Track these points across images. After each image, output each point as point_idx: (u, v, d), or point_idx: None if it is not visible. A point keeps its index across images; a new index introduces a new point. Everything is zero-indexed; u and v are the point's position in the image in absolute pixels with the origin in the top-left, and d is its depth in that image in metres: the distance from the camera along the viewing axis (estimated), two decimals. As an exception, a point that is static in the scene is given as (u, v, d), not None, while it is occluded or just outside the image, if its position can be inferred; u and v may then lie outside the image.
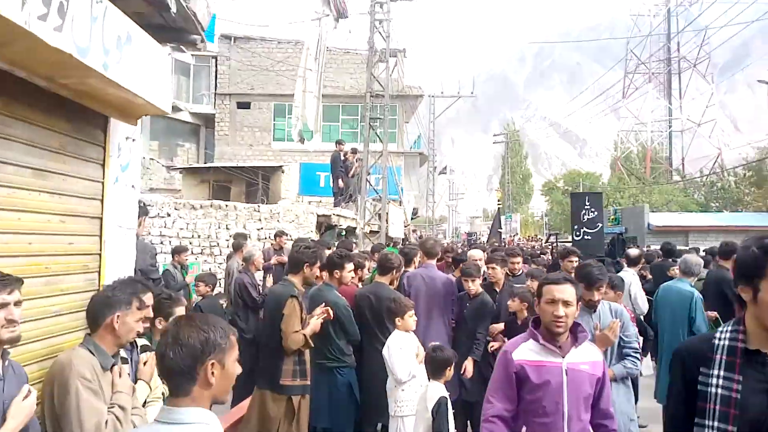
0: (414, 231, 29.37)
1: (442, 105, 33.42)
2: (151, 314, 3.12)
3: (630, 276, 6.83)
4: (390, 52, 27.02)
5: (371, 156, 15.25)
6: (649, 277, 8.84)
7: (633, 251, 7.75)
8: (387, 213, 14.02)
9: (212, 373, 1.64)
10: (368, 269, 6.54)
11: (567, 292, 2.82)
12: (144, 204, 6.06)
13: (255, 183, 18.87)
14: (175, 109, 26.24)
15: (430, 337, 5.15)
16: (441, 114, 30.40)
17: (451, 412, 3.98)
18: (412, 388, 4.43)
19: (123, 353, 2.93)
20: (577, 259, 6.18)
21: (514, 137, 59.06)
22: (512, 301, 5.23)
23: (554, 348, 2.82)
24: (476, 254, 6.62)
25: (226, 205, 11.14)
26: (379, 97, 15.80)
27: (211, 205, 11.05)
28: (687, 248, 14.42)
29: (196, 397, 1.65)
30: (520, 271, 6.68)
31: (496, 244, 26.04)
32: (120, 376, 2.72)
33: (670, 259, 8.46)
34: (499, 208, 31.36)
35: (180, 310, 3.57)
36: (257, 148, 25.76)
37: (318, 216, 11.95)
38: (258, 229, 11.48)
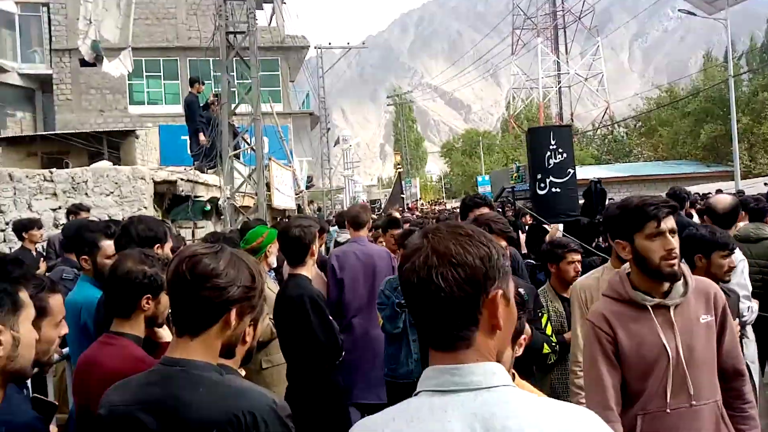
0: (311, 203, 26.24)
1: (330, 64, 30.06)
2: None
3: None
4: (266, -4, 23.19)
5: (239, 117, 11.04)
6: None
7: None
8: (269, 174, 10.07)
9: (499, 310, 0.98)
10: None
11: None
12: None
13: (100, 153, 14.73)
14: (-1, 70, 20.92)
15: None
16: (331, 68, 27.03)
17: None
18: None
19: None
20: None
21: (405, 101, 57.35)
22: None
23: None
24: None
25: (-5, 174, 7.20)
26: (238, 48, 9.59)
27: (-31, 176, 7.07)
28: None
29: (482, 348, 0.99)
30: None
31: (399, 209, 23.57)
32: None
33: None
34: (399, 172, 29.11)
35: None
36: (110, 114, 21.20)
37: (156, 183, 8.39)
38: (53, 209, 7.71)
